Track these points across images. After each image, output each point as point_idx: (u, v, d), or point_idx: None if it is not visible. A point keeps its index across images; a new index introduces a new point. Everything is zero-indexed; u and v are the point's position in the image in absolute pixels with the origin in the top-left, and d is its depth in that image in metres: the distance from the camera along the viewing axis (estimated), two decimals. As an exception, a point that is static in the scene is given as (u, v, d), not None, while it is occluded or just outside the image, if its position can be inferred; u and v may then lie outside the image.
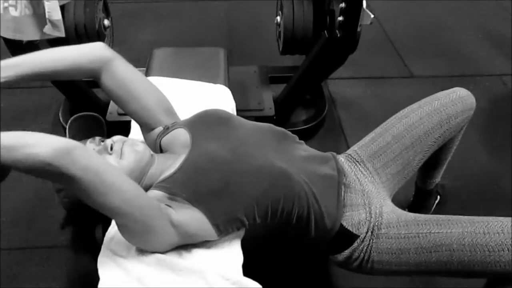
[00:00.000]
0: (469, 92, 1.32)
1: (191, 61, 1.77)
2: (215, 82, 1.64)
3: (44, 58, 1.04)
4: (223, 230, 1.07)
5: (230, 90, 1.69)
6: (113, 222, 1.17)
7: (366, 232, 1.13)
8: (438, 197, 1.67)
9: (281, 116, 1.94)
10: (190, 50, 1.89)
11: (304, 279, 1.59)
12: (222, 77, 1.69)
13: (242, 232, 1.17)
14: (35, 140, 0.82)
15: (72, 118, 1.10)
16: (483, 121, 2.22)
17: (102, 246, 1.12)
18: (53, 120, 2.22)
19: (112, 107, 1.86)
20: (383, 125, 1.32)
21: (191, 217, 1.03)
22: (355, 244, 1.14)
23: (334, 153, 1.27)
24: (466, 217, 1.08)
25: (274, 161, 1.09)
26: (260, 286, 1.04)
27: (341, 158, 1.28)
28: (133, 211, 0.94)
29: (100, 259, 1.10)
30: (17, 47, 1.60)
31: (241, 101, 1.89)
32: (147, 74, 1.73)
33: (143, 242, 1.04)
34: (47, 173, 0.82)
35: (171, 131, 1.20)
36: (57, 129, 2.12)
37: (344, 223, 1.13)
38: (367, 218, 1.14)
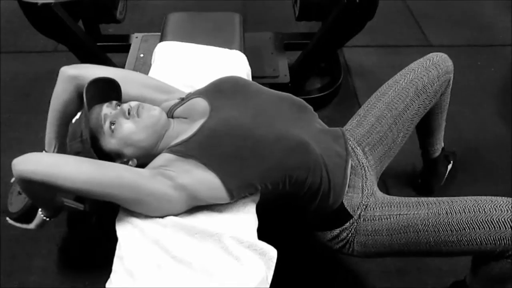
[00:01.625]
0: (445, 55, 1.32)
1: (206, 26, 1.74)
2: (230, 48, 1.62)
3: (51, 119, 1.23)
4: (236, 195, 1.08)
5: (245, 56, 1.67)
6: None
7: (359, 215, 1.15)
8: (449, 165, 1.67)
9: (296, 83, 1.92)
10: (205, 15, 1.86)
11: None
12: (237, 42, 1.66)
13: (257, 197, 1.18)
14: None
15: (89, 81, 1.10)
16: (501, 91, 2.17)
17: (120, 207, 1.14)
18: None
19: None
20: (365, 106, 1.32)
21: (202, 179, 1.04)
22: (347, 224, 1.16)
23: (344, 130, 1.27)
24: (434, 198, 1.11)
25: (293, 130, 1.09)
26: (275, 250, 1.05)
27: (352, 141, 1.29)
28: (111, 191, 0.99)
29: (117, 220, 1.12)
30: (32, 10, 1.59)
31: (256, 67, 1.86)
32: (161, 39, 1.71)
33: (149, 212, 1.06)
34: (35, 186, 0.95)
35: (186, 101, 1.19)
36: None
37: (345, 203, 1.15)
38: (362, 202, 1.16)
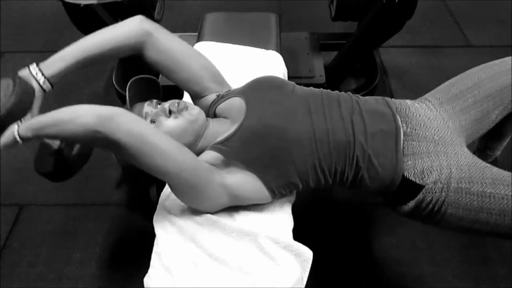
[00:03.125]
0: None
1: (242, 26, 1.75)
2: (266, 48, 1.62)
3: (85, 45, 1.08)
4: (277, 193, 1.09)
5: (281, 56, 1.67)
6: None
7: (435, 182, 1.07)
8: None
9: (331, 84, 1.90)
10: (242, 15, 1.87)
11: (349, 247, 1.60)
12: (273, 43, 1.67)
13: (293, 197, 1.18)
14: (83, 111, 0.91)
15: (131, 80, 1.13)
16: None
17: (158, 205, 1.16)
18: (105, 84, 2.28)
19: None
20: (462, 74, 1.25)
21: (244, 181, 1.05)
22: (421, 195, 1.08)
23: (389, 100, 1.21)
24: None
25: (328, 127, 1.08)
26: (311, 252, 1.05)
27: (414, 104, 1.21)
28: (179, 172, 0.99)
29: (155, 218, 1.14)
30: (75, 11, 1.64)
31: (291, 67, 1.86)
32: (199, 39, 1.73)
33: (193, 202, 1.08)
34: (98, 140, 0.91)
35: (226, 99, 1.20)
36: (109, 92, 2.18)
37: (406, 173, 1.09)
38: (434, 166, 1.08)
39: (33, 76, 1.02)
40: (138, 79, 1.15)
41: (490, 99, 1.19)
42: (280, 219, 1.12)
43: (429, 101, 1.22)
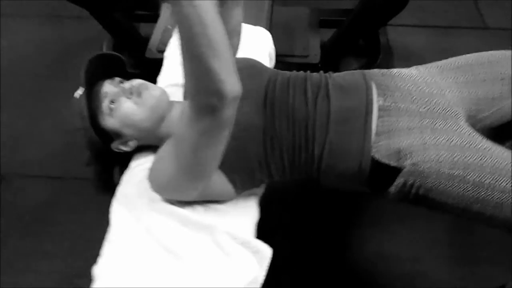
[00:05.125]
0: None
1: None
2: (255, 24, 1.52)
3: None
4: (241, 188, 1.02)
5: (275, 31, 1.56)
6: (132, 166, 1.15)
7: (415, 164, 0.92)
8: None
9: (327, 63, 1.79)
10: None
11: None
12: (264, 18, 1.56)
13: (260, 190, 1.11)
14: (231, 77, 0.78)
15: (91, 56, 1.05)
16: None
17: (117, 190, 1.11)
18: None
19: (152, 44, 1.80)
20: (476, 53, 1.10)
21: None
22: (400, 179, 0.94)
23: (368, 72, 1.08)
24: None
25: (286, 108, 1.00)
26: (270, 250, 0.99)
27: (402, 72, 1.07)
28: (211, 165, 0.93)
29: (113, 203, 1.09)
30: None
31: (285, 45, 1.77)
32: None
33: (167, 191, 1.02)
34: (198, 104, 0.83)
35: None
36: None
37: (377, 155, 0.95)
38: (415, 145, 0.93)
39: None
40: (100, 55, 1.08)
41: (506, 82, 1.03)
42: (242, 213, 1.06)
43: (427, 68, 1.09)
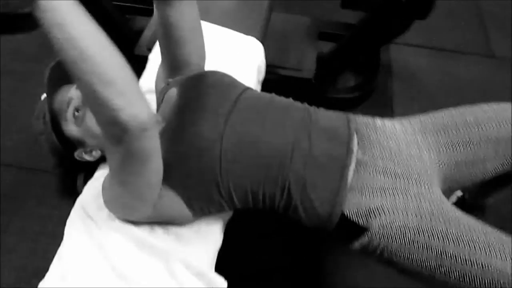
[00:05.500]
0: None
1: (229, 4, 1.57)
2: (248, 33, 1.45)
3: None
4: (199, 211, 0.95)
5: (269, 39, 1.50)
6: (95, 176, 1.09)
7: (382, 227, 0.88)
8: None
9: (321, 79, 1.72)
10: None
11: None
12: (258, 28, 1.49)
13: (226, 215, 1.05)
14: (134, 100, 0.72)
15: (54, 63, 0.99)
16: None
17: (77, 201, 1.05)
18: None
19: (143, 40, 1.73)
20: (465, 106, 1.04)
21: (165, 197, 0.92)
22: (365, 238, 0.90)
23: (353, 118, 1.02)
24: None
25: (260, 139, 0.92)
26: (225, 283, 0.94)
27: (386, 124, 1.02)
28: (145, 192, 0.89)
29: (71, 213, 1.04)
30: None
31: (278, 56, 1.70)
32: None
33: (124, 211, 0.96)
34: (108, 131, 0.77)
35: (169, 89, 1.06)
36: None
37: (347, 212, 0.90)
38: (385, 207, 0.89)
39: None
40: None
41: (491, 145, 0.98)
42: (204, 239, 1.00)
43: (410, 124, 1.03)
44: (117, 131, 0.72)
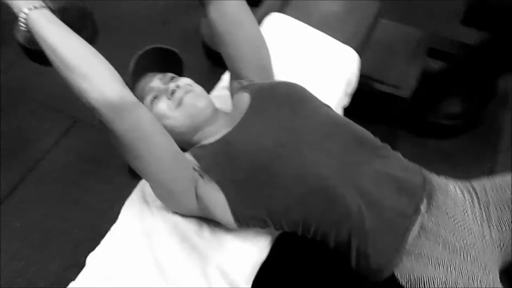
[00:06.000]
0: None
1: (334, 7, 1.48)
2: (346, 40, 1.36)
3: None
4: (242, 222, 0.94)
5: (371, 48, 1.41)
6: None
7: None
8: None
9: (420, 101, 1.58)
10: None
11: None
12: (358, 36, 1.39)
13: (275, 231, 1.02)
14: (105, 79, 0.80)
15: (146, 49, 1.02)
16: None
17: (139, 183, 1.10)
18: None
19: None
20: None
21: (213, 196, 0.91)
22: None
23: (426, 177, 0.94)
24: None
25: (327, 173, 0.87)
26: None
27: (454, 190, 0.94)
28: (163, 179, 0.90)
29: (132, 194, 1.08)
30: None
31: (377, 67, 1.59)
32: (280, 9, 1.51)
33: (166, 201, 0.99)
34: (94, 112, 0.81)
35: (240, 92, 1.05)
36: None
37: (397, 274, 0.86)
38: (436, 281, 0.83)
39: None
40: (155, 48, 1.04)
41: None
42: (248, 250, 0.98)
43: (476, 192, 0.94)
44: (96, 114, 0.80)
